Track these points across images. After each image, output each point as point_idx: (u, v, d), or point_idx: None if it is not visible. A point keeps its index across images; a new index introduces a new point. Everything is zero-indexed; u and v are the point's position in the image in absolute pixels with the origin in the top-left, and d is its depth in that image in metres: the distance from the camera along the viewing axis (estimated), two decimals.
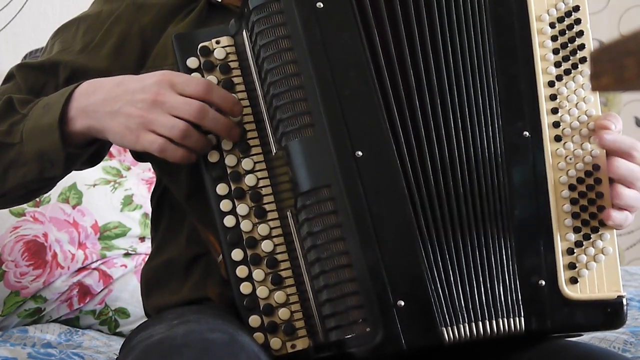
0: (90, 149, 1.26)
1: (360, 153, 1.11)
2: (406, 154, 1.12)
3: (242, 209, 1.16)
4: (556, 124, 1.18)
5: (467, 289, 1.12)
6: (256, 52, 1.14)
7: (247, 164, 1.17)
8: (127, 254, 1.99)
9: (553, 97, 1.18)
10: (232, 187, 1.16)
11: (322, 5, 1.12)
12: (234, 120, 1.17)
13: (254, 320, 1.14)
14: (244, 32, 1.16)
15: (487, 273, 1.13)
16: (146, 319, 1.35)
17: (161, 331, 1.06)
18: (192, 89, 1.14)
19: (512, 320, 1.13)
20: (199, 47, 1.18)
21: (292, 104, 1.11)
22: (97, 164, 1.37)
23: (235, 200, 1.16)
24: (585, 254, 1.17)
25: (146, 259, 1.41)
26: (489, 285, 1.13)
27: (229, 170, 1.17)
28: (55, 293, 1.90)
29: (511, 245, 1.14)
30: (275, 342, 1.14)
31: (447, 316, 1.10)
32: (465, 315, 1.11)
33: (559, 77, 1.19)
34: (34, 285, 1.88)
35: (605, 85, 0.74)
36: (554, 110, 1.18)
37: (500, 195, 1.15)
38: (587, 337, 1.48)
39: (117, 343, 1.84)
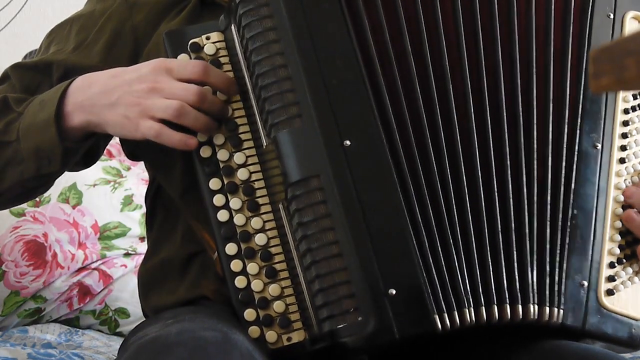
0: (87, 143, 1.26)
1: (348, 142, 1.10)
2: (399, 142, 1.12)
3: (235, 203, 1.16)
4: (623, 148, 1.23)
5: (477, 273, 1.12)
6: (244, 45, 1.15)
7: (239, 158, 1.17)
8: (127, 254, 2.00)
9: (625, 123, 1.24)
10: (225, 182, 1.17)
11: None
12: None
13: (249, 313, 1.14)
14: (233, 27, 1.16)
15: (505, 259, 1.13)
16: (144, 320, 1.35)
17: (155, 330, 1.06)
18: (190, 71, 1.15)
19: (547, 309, 1.14)
20: (189, 43, 1.18)
21: (279, 95, 1.11)
22: (91, 165, 1.38)
23: (228, 194, 1.17)
24: (625, 272, 1.21)
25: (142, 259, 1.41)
26: (516, 272, 1.13)
27: (221, 165, 1.17)
28: (55, 293, 1.91)
29: (562, 240, 1.16)
30: (270, 336, 1.14)
31: (441, 303, 1.09)
32: (465, 301, 1.10)
33: (633, 108, 1.24)
34: (34, 285, 1.89)
35: (605, 86, 0.74)
36: (624, 135, 1.23)
37: (557, 192, 1.17)
38: None
39: (117, 343, 1.84)
